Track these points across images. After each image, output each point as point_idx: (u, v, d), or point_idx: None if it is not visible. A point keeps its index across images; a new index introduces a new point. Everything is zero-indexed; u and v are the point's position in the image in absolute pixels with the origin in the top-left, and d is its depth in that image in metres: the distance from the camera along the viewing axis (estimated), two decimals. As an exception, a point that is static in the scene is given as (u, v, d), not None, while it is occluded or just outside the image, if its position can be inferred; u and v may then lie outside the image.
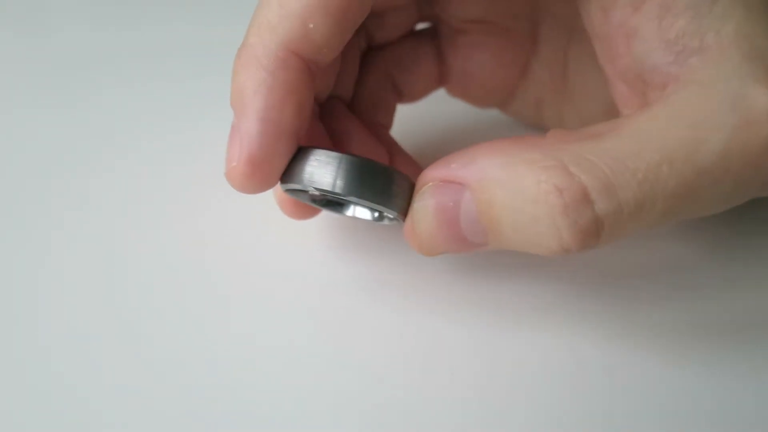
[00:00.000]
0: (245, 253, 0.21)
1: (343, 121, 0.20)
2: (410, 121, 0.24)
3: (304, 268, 0.21)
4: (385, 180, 0.16)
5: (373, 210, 0.18)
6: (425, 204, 0.16)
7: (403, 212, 0.17)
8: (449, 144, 0.25)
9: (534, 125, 0.24)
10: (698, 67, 0.15)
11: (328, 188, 0.16)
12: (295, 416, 0.18)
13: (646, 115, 0.15)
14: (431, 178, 0.16)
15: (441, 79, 0.23)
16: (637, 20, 0.16)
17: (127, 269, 0.21)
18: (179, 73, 0.29)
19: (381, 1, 0.19)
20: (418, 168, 0.20)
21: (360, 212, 0.19)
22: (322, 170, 0.16)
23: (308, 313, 0.20)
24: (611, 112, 0.21)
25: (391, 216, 0.17)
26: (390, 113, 0.23)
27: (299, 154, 0.17)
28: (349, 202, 0.19)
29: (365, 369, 0.19)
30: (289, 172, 0.17)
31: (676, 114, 0.15)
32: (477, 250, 0.17)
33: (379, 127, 0.22)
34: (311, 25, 0.16)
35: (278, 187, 0.19)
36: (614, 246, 0.15)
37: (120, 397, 0.18)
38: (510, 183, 0.15)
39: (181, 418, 0.18)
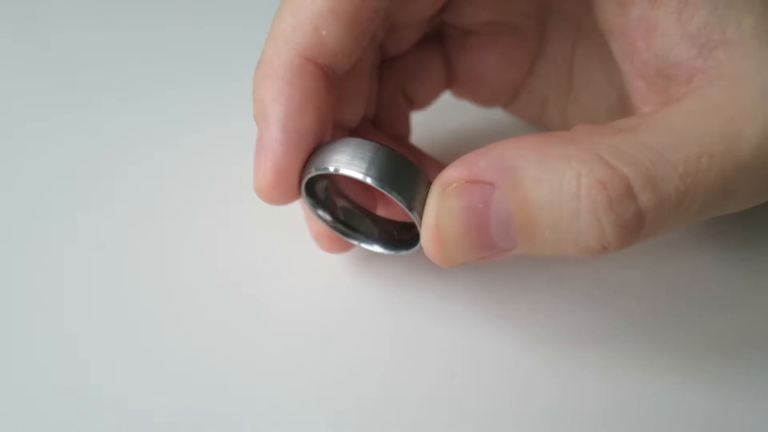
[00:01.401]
0: (250, 256, 0.22)
1: (373, 140, 0.19)
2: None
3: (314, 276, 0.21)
4: (414, 177, 0.16)
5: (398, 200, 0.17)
6: (451, 207, 0.15)
7: (420, 214, 0.16)
8: (453, 145, 0.25)
9: (537, 124, 0.24)
10: (725, 60, 0.15)
11: (361, 171, 0.15)
12: (297, 417, 0.18)
13: (677, 109, 0.15)
14: (455, 178, 0.15)
15: (448, 82, 0.22)
16: (655, 15, 0.16)
17: (136, 275, 0.21)
18: (186, 76, 0.29)
19: (399, 18, 0.19)
20: None
21: (375, 247, 0.19)
22: (354, 154, 0.16)
23: (318, 322, 0.20)
24: (616, 112, 0.21)
25: (412, 218, 0.16)
26: (407, 123, 0.23)
27: (323, 145, 0.16)
28: (363, 234, 0.19)
29: (366, 372, 0.19)
30: (313, 159, 0.16)
31: (710, 107, 0.15)
32: (501, 257, 0.16)
33: (401, 139, 0.22)
34: (324, 32, 0.16)
35: (313, 224, 0.19)
36: (618, 253, 0.14)
37: (130, 398, 0.18)
38: (546, 179, 0.14)
39: (185, 420, 0.18)
